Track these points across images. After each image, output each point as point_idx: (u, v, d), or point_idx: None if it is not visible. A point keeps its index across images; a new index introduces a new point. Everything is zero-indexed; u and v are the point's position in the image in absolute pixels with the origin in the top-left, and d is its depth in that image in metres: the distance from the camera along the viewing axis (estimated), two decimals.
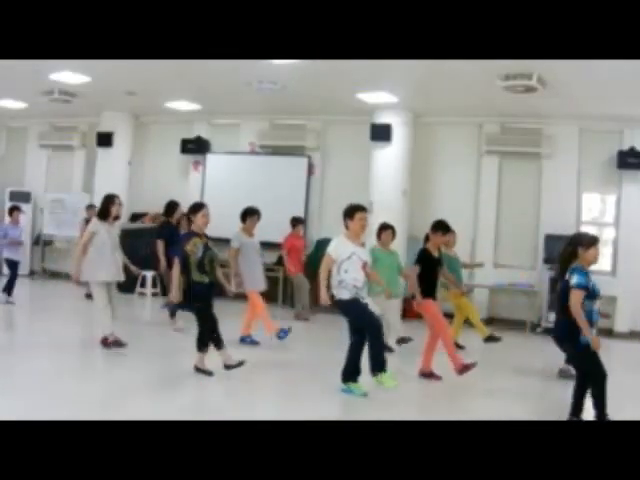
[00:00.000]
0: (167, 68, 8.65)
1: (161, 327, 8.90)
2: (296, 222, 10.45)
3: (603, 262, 11.03)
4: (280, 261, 12.13)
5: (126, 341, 7.22)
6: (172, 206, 9.00)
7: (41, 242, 14.09)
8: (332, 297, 5.95)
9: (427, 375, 6.72)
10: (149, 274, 11.54)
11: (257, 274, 8.15)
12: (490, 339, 8.39)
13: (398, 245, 10.33)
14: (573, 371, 6.77)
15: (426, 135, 11.48)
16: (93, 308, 7.70)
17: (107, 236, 7.22)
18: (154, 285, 11.93)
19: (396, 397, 5.97)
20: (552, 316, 10.28)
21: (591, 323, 4.92)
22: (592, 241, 5.14)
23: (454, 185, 11.53)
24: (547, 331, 10.22)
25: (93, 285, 7.31)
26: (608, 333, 10.49)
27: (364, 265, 5.94)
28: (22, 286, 10.99)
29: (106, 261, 7.18)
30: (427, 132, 11.50)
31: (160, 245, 8.59)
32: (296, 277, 10.41)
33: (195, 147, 13.00)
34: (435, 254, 6.88)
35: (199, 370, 6.32)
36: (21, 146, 14.66)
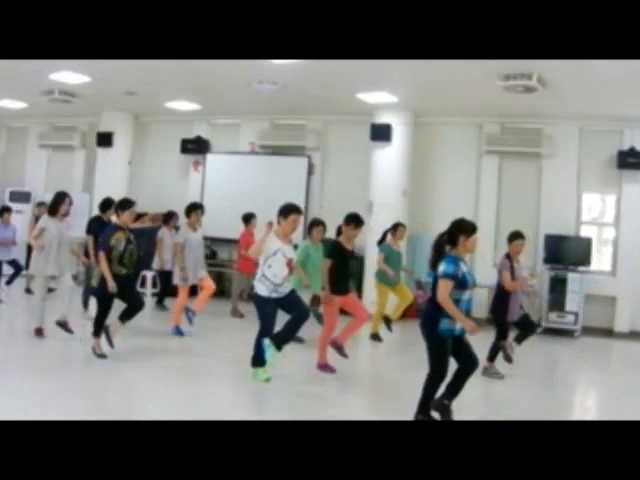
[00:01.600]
0: (167, 68, 8.64)
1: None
2: (249, 218, 10.40)
3: (603, 262, 11.06)
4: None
5: (73, 331, 7.59)
6: (106, 203, 9.09)
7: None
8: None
9: (322, 367, 6.78)
10: (149, 274, 11.53)
11: (198, 269, 8.54)
12: (376, 337, 8.86)
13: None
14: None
15: (426, 135, 11.48)
16: (33, 300, 8.24)
17: (56, 233, 7.56)
18: (154, 285, 11.92)
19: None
20: (552, 316, 10.40)
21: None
22: (473, 228, 5.03)
23: (454, 185, 11.53)
24: (547, 331, 10.25)
25: (37, 278, 7.71)
26: (608, 333, 10.51)
27: (289, 262, 6.10)
28: (19, 285, 11.05)
29: (52, 256, 7.51)
30: (427, 132, 11.49)
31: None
32: (245, 275, 10.27)
33: (195, 147, 12.99)
34: (348, 247, 6.90)
35: (95, 353, 6.71)
36: (21, 146, 14.64)
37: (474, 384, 5.95)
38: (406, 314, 11.20)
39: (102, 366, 6.54)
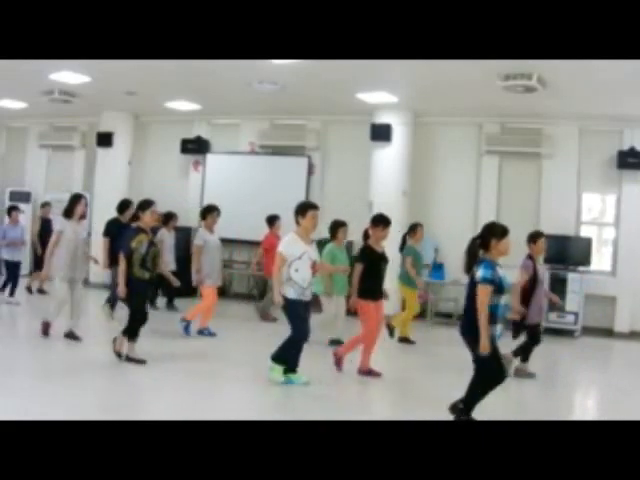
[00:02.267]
0: (167, 68, 8.65)
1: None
2: (273, 219, 10.29)
3: (603, 262, 11.06)
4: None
5: (81, 336, 7.51)
6: (124, 204, 9.08)
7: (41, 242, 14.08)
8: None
9: (366, 372, 6.67)
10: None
11: (216, 270, 8.52)
12: (405, 340, 8.79)
13: (398, 245, 10.31)
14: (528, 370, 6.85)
15: (426, 135, 11.48)
16: (50, 300, 8.04)
17: (73, 235, 7.45)
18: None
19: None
20: (552, 316, 10.39)
21: (496, 318, 4.74)
22: (505, 231, 4.96)
23: (454, 185, 11.53)
24: (547, 331, 10.24)
25: (56, 280, 7.55)
26: (608, 333, 10.51)
27: (313, 264, 6.06)
28: (21, 285, 10.88)
29: (70, 259, 7.41)
30: (427, 132, 11.50)
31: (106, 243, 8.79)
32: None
33: (195, 147, 13.00)
34: (379, 250, 6.76)
35: (131, 359, 6.55)
36: (21, 146, 14.65)
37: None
38: None
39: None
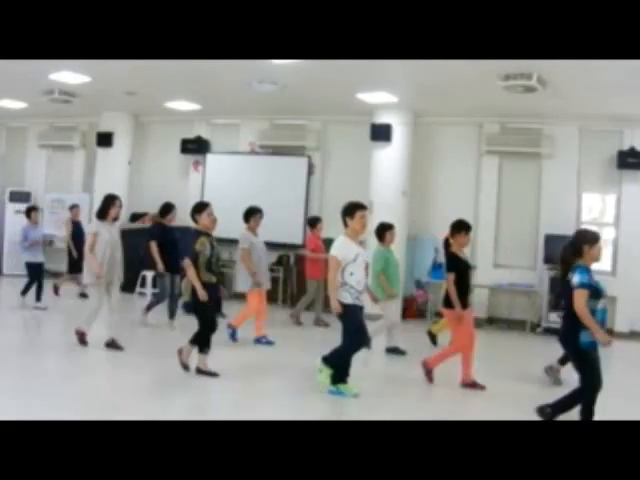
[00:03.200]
0: (167, 68, 8.65)
1: (160, 328, 8.94)
2: (315, 221, 9.98)
3: (603, 262, 11.05)
4: (280, 261, 12.13)
5: (124, 346, 7.22)
6: (167, 208, 9.02)
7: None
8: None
9: (470, 385, 6.43)
10: (149, 274, 11.53)
11: (264, 273, 8.29)
12: (432, 338, 8.55)
13: (398, 245, 10.32)
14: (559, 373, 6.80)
15: (426, 135, 11.48)
16: (87, 306, 7.81)
17: (108, 237, 7.20)
18: (154, 285, 11.93)
19: (387, 398, 6.02)
20: (552, 316, 10.38)
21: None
22: (596, 237, 5.00)
23: (454, 185, 11.53)
24: (547, 331, 10.24)
25: (91, 286, 7.38)
26: (608, 333, 10.46)
27: (366, 267, 5.87)
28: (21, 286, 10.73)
29: (105, 263, 7.14)
30: (427, 132, 11.50)
31: (154, 246, 8.70)
32: (317, 282, 9.80)
33: (195, 147, 13.01)
34: (462, 257, 6.57)
35: (202, 372, 6.26)
36: (21, 146, 14.66)
37: None
38: (406, 315, 11.23)
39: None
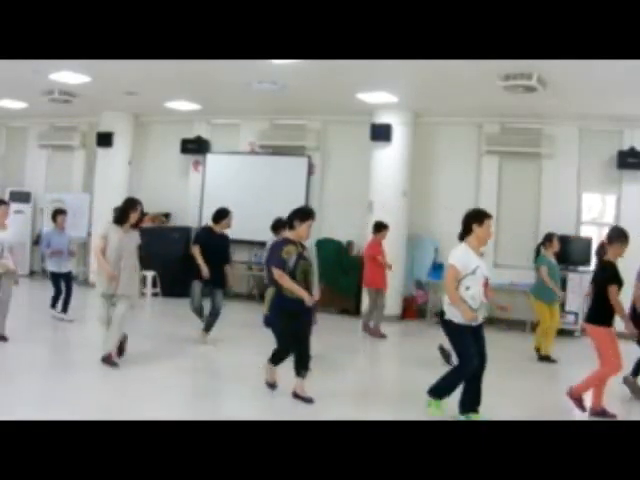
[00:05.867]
0: (167, 68, 8.64)
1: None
2: (381, 227, 9.39)
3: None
4: None
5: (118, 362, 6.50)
6: (222, 213, 8.13)
7: (41, 242, 14.07)
8: (440, 314, 5.32)
9: (600, 413, 5.68)
10: (149, 274, 11.56)
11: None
12: (545, 358, 8.14)
13: (398, 245, 10.34)
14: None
15: (426, 135, 11.48)
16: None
17: (117, 244, 6.49)
18: (154, 285, 11.95)
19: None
20: None
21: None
22: (625, 235, 5.52)
23: (454, 185, 11.53)
24: None
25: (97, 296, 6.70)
26: None
27: (486, 282, 5.15)
28: (24, 287, 10.21)
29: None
30: (427, 132, 11.50)
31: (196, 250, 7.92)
32: (374, 290, 9.44)
33: (195, 147, 13.01)
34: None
35: (298, 397, 5.65)
36: (21, 146, 14.66)
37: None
38: (406, 315, 11.24)
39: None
